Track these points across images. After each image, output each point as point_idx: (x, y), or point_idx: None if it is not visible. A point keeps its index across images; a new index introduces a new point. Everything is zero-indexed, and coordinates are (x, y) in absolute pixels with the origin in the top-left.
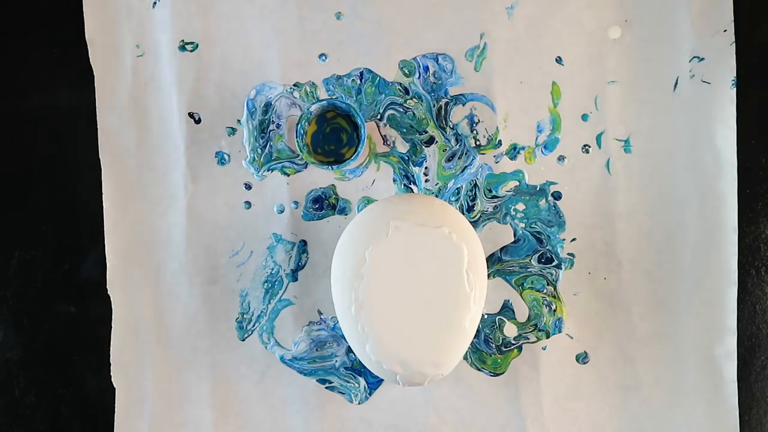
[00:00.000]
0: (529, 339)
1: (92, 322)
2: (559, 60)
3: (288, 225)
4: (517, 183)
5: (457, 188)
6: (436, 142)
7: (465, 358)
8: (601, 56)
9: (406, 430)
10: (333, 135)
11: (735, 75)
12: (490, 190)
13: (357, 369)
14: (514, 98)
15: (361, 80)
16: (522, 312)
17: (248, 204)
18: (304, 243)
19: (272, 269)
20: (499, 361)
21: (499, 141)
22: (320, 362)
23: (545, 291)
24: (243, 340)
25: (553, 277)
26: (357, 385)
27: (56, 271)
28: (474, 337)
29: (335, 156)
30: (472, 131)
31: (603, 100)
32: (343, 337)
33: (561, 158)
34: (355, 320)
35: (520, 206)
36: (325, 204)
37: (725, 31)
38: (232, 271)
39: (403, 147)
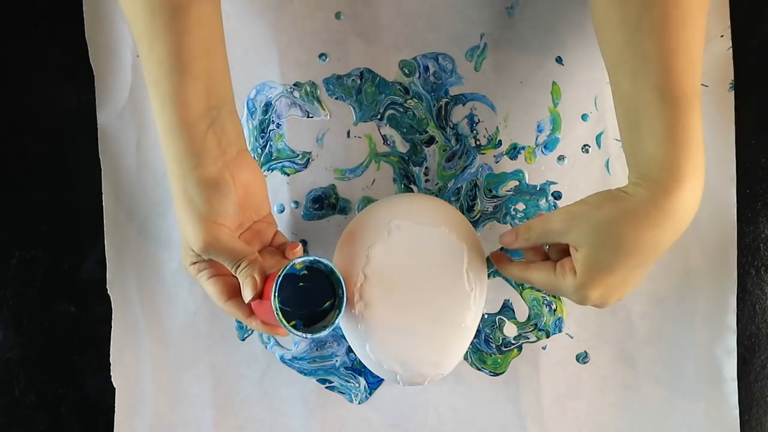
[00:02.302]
0: (529, 338)
1: (92, 322)
2: (559, 60)
3: (288, 225)
4: (517, 183)
5: (457, 188)
6: (436, 142)
7: (465, 357)
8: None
9: (406, 430)
10: (309, 294)
11: (733, 78)
12: (490, 190)
13: (357, 369)
14: (514, 98)
15: (361, 80)
16: (522, 311)
17: None
18: (304, 243)
19: None
20: (499, 360)
21: (499, 141)
22: (320, 362)
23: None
24: (243, 339)
25: None
26: (357, 385)
27: (56, 271)
28: (474, 337)
29: (311, 318)
30: (472, 131)
31: (603, 100)
32: (343, 336)
33: (561, 158)
34: (355, 320)
35: (520, 206)
36: (325, 204)
37: (722, 36)
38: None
39: (403, 147)
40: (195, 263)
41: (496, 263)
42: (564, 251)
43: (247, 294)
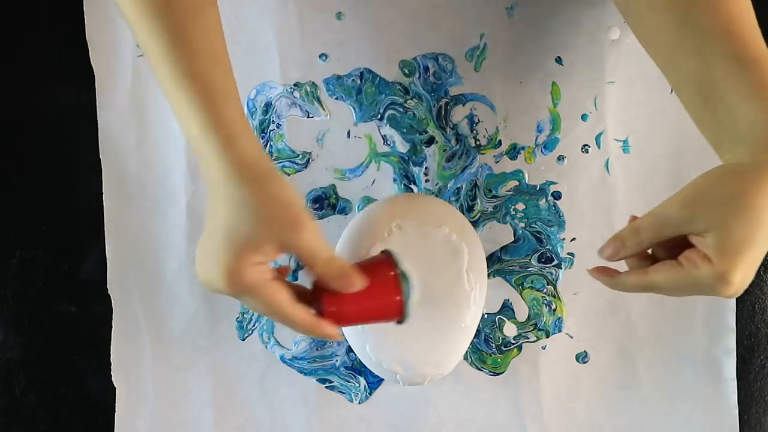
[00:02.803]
0: (528, 338)
1: (92, 322)
2: (559, 60)
3: None
4: (517, 183)
5: (457, 188)
6: (436, 142)
7: (465, 357)
8: (601, 57)
9: (406, 430)
10: None
11: None
12: (490, 190)
13: (357, 368)
14: (514, 98)
15: (361, 80)
16: (522, 311)
17: None
18: None
19: None
20: (499, 360)
21: (499, 141)
22: (320, 362)
23: (545, 290)
24: (243, 339)
25: (552, 277)
26: (357, 385)
27: (56, 271)
28: (474, 337)
29: None
30: (472, 131)
31: (602, 101)
32: (343, 336)
33: (561, 158)
34: None
35: (520, 206)
36: (325, 204)
37: None
38: None
39: (403, 147)
40: (261, 264)
41: (604, 279)
42: (675, 247)
43: (358, 283)
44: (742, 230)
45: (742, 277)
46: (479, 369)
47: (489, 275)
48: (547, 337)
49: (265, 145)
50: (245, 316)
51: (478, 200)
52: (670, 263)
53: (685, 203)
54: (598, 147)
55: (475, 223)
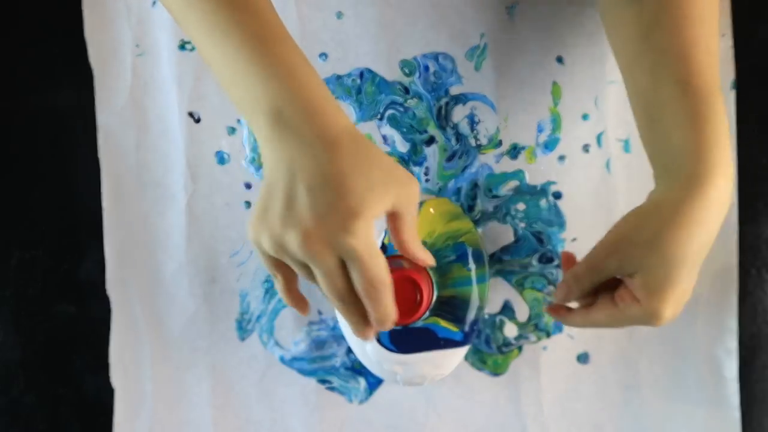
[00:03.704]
0: (529, 339)
1: (92, 322)
2: (559, 60)
3: None
4: (518, 183)
5: (457, 188)
6: (437, 142)
7: (465, 358)
8: (602, 56)
9: (406, 430)
10: None
11: (734, 77)
12: (491, 190)
13: (357, 369)
14: (515, 98)
15: (361, 80)
16: (522, 312)
17: (248, 204)
18: None
19: None
20: (499, 361)
21: (500, 141)
22: (320, 362)
23: (546, 291)
24: (243, 340)
25: (553, 277)
26: (357, 385)
27: (56, 271)
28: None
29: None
30: (472, 131)
31: (603, 100)
32: (343, 337)
33: (561, 158)
34: None
35: (521, 206)
36: None
37: (723, 35)
38: (232, 270)
39: (403, 147)
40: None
41: (557, 318)
42: (613, 279)
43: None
44: (662, 272)
45: (671, 311)
46: (479, 369)
47: (489, 275)
48: (548, 337)
49: None
50: (245, 316)
51: (479, 200)
52: (607, 303)
53: (610, 251)
54: (599, 146)
55: (475, 224)
